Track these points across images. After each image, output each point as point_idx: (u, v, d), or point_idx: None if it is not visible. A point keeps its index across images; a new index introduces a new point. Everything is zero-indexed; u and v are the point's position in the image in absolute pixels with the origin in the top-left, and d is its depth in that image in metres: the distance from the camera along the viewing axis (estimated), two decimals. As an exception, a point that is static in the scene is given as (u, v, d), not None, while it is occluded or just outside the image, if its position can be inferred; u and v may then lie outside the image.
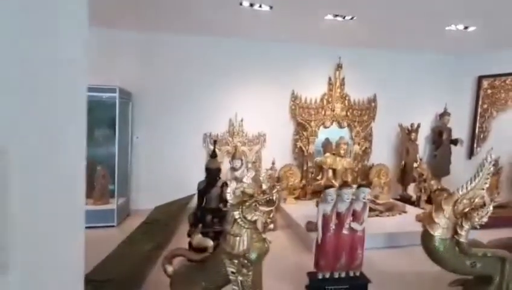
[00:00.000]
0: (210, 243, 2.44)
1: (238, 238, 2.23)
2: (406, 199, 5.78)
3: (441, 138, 6.07)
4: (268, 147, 5.73)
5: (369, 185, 5.66)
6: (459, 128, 6.17)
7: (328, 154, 5.66)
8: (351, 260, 2.86)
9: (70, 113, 0.91)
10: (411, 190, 5.94)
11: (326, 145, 5.90)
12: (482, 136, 6.18)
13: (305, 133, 5.87)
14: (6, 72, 0.66)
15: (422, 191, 5.40)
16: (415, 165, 5.62)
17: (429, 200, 5.16)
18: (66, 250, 0.93)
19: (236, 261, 2.23)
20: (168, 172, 5.34)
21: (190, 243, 2.66)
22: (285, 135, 5.93)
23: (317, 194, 5.22)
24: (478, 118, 6.17)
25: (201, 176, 3.65)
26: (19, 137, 0.71)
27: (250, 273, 2.23)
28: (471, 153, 6.29)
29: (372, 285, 2.87)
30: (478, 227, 2.50)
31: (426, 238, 2.58)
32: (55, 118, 0.84)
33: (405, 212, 5.04)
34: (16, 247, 0.71)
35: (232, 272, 2.23)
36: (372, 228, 3.91)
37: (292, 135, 5.99)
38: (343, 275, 2.88)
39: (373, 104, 6.06)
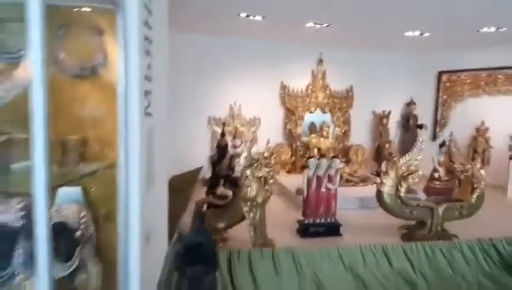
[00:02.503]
0: (230, 193, 3.53)
1: (249, 188, 3.33)
2: (379, 174, 6.95)
3: (408, 123, 7.27)
4: (263, 128, 6.81)
5: (347, 160, 6.89)
6: (424, 115, 7.34)
7: (313, 135, 6.80)
8: (328, 210, 3.99)
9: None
10: (384, 167, 7.12)
11: (312, 127, 7.04)
12: (442, 122, 7.39)
13: (293, 117, 6.98)
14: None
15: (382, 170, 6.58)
16: (386, 146, 6.83)
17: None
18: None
19: (248, 203, 3.33)
20: (178, 149, 6.35)
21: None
22: (276, 118, 7.02)
23: (305, 168, 6.40)
24: (439, 106, 7.38)
25: (207, 152, 4.71)
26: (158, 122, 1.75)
27: (258, 212, 3.34)
28: (434, 136, 7.49)
29: (343, 228, 4.01)
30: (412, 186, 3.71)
31: (378, 194, 3.78)
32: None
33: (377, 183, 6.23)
34: (156, 172, 1.76)
35: (246, 211, 3.33)
36: (349, 194, 5.10)
37: (282, 118, 7.08)
38: (322, 220, 4.01)
39: (350, 93, 7.20)
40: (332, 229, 3.99)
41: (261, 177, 3.38)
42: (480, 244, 3.22)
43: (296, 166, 6.82)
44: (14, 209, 1.44)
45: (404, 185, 3.63)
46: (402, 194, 3.63)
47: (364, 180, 6.22)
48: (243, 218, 3.36)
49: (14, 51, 1.51)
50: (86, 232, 1.55)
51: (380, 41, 6.39)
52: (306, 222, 3.98)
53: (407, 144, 7.19)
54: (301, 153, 6.92)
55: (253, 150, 3.41)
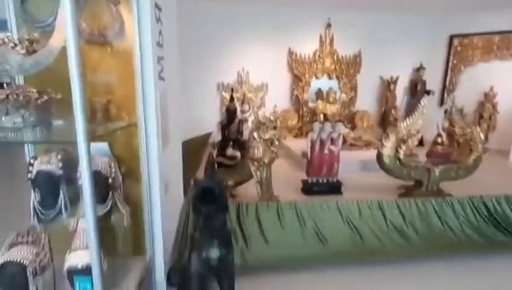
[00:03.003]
0: (238, 154, 3.81)
1: (256, 149, 3.59)
2: (382, 139, 7.17)
3: (416, 89, 7.34)
4: (270, 94, 6.99)
5: (353, 126, 7.09)
6: (432, 80, 7.40)
7: (319, 101, 6.97)
8: (330, 170, 4.26)
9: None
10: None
11: (318, 94, 7.19)
12: (451, 87, 7.46)
13: (300, 83, 7.13)
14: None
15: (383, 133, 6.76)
16: (392, 112, 6.97)
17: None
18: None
19: (256, 163, 3.60)
20: (188, 115, 6.61)
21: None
22: (284, 84, 7.18)
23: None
24: (449, 71, 7.41)
25: (216, 117, 4.96)
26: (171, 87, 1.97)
27: (264, 171, 3.62)
28: (441, 102, 7.60)
29: (344, 187, 4.28)
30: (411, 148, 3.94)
31: (379, 156, 4.01)
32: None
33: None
34: (170, 132, 2.00)
35: (254, 171, 3.62)
36: (352, 157, 5.35)
37: (290, 84, 7.23)
38: (324, 180, 4.29)
39: (358, 59, 7.26)
40: (334, 188, 4.26)
41: (267, 139, 3.63)
42: (471, 201, 3.47)
43: (302, 131, 7.04)
44: (55, 159, 1.73)
45: (404, 147, 3.85)
46: (401, 156, 3.85)
47: (368, 144, 6.43)
48: (250, 176, 3.65)
49: (45, 19, 1.73)
50: (116, 180, 1.83)
51: (391, 1, 6.33)
52: (309, 181, 4.26)
53: (413, 110, 7.32)
54: (308, 118, 7.12)
55: (260, 114, 3.63)
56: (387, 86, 7.33)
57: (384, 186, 4.37)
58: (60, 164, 1.73)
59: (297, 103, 7.23)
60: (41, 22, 1.73)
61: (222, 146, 4.71)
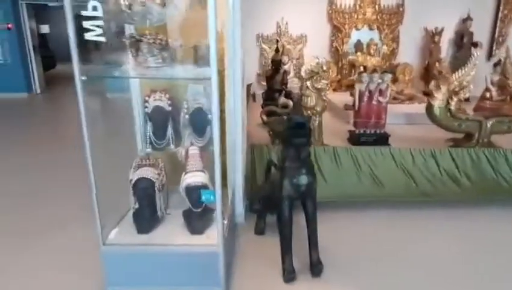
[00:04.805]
0: (290, 102, 4.14)
1: (309, 98, 3.91)
2: (426, 93, 7.30)
3: (462, 41, 7.35)
4: (309, 46, 7.18)
5: (394, 79, 7.25)
6: (480, 32, 7.35)
7: (359, 53, 7.11)
8: (378, 121, 4.55)
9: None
10: (432, 86, 7.42)
11: (358, 45, 7.30)
12: (500, 39, 7.42)
13: (339, 34, 7.26)
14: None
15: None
16: (436, 64, 7.05)
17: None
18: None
19: (308, 112, 3.93)
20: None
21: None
22: (323, 36, 7.33)
23: (351, 86, 6.87)
24: (498, 22, 7.33)
25: (255, 69, 5.22)
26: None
27: (317, 119, 3.96)
28: (489, 55, 7.59)
29: (391, 139, 4.58)
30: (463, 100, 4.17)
31: (429, 107, 4.26)
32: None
33: (425, 102, 6.62)
34: None
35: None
36: (396, 110, 5.58)
37: (329, 36, 7.37)
38: (372, 131, 4.59)
39: (401, 8, 7.26)
40: (382, 139, 4.55)
41: (319, 88, 3.93)
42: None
43: (341, 84, 7.25)
44: (165, 97, 2.11)
45: (455, 99, 4.08)
46: (452, 108, 4.08)
47: (411, 98, 6.62)
48: (302, 125, 4.00)
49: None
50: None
51: None
52: (357, 132, 4.57)
53: (459, 63, 7.35)
54: (347, 71, 7.29)
55: (312, 63, 3.91)
56: (431, 37, 7.35)
57: (431, 138, 4.63)
58: (169, 102, 2.11)
59: (336, 55, 7.40)
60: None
61: (268, 96, 5.02)
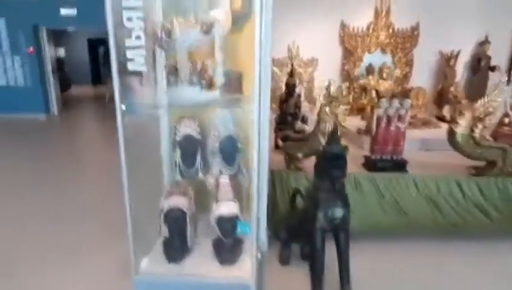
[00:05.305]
0: (307, 127, 4.17)
1: (327, 123, 3.94)
2: (440, 118, 7.35)
3: (479, 65, 7.44)
4: (320, 69, 7.27)
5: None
6: (498, 55, 7.44)
7: (371, 76, 7.19)
8: (396, 147, 4.57)
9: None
10: (446, 111, 7.47)
11: (369, 69, 7.40)
12: (519, 63, 7.50)
13: (351, 58, 7.37)
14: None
15: (457, 111, 6.92)
16: (451, 88, 7.11)
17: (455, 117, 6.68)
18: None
19: (326, 137, 3.96)
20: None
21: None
22: (334, 59, 7.45)
23: (362, 110, 6.93)
24: (517, 46, 7.44)
25: None
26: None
27: (335, 145, 3.99)
28: (508, 79, 7.63)
29: (409, 165, 4.59)
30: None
31: (451, 134, 4.27)
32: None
33: (439, 127, 6.66)
34: None
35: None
36: (410, 135, 5.59)
37: (341, 59, 7.47)
38: (389, 157, 4.60)
39: (415, 32, 7.38)
40: (399, 165, 4.56)
41: (337, 113, 3.97)
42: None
43: (353, 107, 7.28)
44: (194, 125, 2.13)
45: (480, 126, 4.09)
46: (476, 135, 4.09)
47: (425, 123, 6.65)
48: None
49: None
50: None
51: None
52: (373, 157, 4.58)
53: (475, 87, 7.44)
54: (357, 95, 7.37)
55: (332, 88, 3.96)
56: (447, 60, 7.44)
57: (450, 165, 4.63)
58: (198, 129, 2.14)
59: (347, 78, 7.48)
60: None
61: (281, 120, 5.06)
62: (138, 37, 1.56)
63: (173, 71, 1.76)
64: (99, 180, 5.22)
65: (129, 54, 1.56)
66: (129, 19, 1.54)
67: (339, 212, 2.17)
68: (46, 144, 7.39)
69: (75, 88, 15.17)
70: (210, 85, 1.82)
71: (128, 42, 1.56)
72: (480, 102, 4.10)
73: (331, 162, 2.13)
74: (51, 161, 6.22)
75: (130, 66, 1.56)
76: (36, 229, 3.86)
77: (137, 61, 1.57)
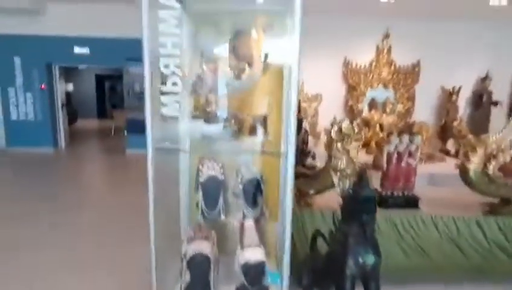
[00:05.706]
0: (318, 164, 4.15)
1: (340, 160, 3.92)
2: (444, 152, 7.38)
3: (481, 100, 7.57)
4: (324, 104, 7.35)
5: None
6: (500, 91, 7.58)
7: (373, 111, 7.28)
8: (407, 183, 4.54)
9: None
10: (449, 145, 7.52)
11: (372, 104, 7.51)
12: (521, 98, 7.64)
13: (355, 93, 7.48)
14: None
15: (461, 145, 6.96)
16: (454, 123, 7.19)
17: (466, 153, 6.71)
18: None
19: (338, 174, 3.93)
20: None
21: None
22: (338, 94, 7.57)
23: (366, 145, 6.95)
24: (519, 80, 7.59)
25: None
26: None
27: (347, 182, 3.95)
28: (510, 114, 7.74)
29: (421, 201, 4.53)
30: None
31: (463, 170, 4.23)
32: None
33: (444, 161, 6.67)
34: None
35: (337, 181, 3.94)
36: (418, 170, 5.58)
37: (344, 94, 7.59)
38: (400, 193, 4.55)
39: (416, 68, 7.56)
40: (410, 202, 4.52)
41: (349, 150, 3.96)
42: None
43: (357, 143, 7.32)
44: (217, 167, 2.11)
45: (493, 162, 4.07)
46: (490, 172, 4.07)
47: (430, 158, 6.67)
48: (331, 186, 3.98)
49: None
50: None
51: (456, 9, 6.63)
52: (383, 193, 4.53)
53: (477, 122, 7.53)
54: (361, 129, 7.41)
55: (344, 125, 3.97)
56: (449, 96, 7.56)
57: (463, 202, 4.57)
58: (221, 170, 2.11)
59: (351, 113, 7.56)
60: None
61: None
62: (175, 84, 1.57)
63: (203, 114, 1.75)
64: (105, 218, 5.10)
65: (163, 99, 1.56)
66: (166, 66, 1.55)
67: (370, 259, 2.09)
68: (54, 179, 7.32)
69: (81, 121, 15.44)
70: (240, 130, 1.81)
71: (163, 88, 1.56)
72: (492, 138, 4.10)
73: (361, 205, 2.08)
74: (58, 197, 6.12)
75: (164, 111, 1.56)
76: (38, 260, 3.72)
77: (171, 106, 1.57)
